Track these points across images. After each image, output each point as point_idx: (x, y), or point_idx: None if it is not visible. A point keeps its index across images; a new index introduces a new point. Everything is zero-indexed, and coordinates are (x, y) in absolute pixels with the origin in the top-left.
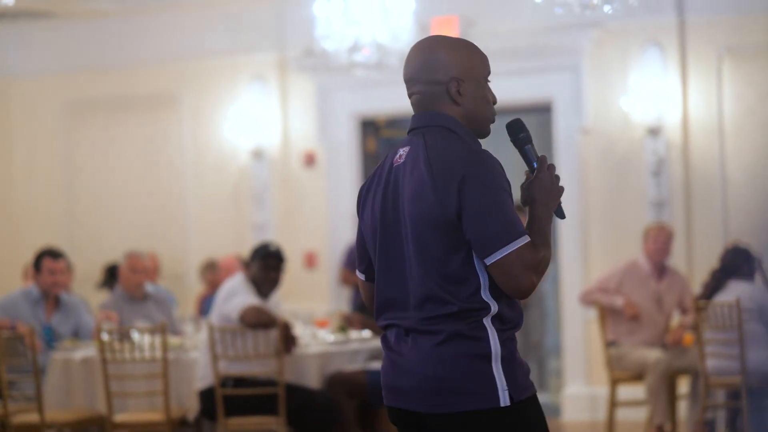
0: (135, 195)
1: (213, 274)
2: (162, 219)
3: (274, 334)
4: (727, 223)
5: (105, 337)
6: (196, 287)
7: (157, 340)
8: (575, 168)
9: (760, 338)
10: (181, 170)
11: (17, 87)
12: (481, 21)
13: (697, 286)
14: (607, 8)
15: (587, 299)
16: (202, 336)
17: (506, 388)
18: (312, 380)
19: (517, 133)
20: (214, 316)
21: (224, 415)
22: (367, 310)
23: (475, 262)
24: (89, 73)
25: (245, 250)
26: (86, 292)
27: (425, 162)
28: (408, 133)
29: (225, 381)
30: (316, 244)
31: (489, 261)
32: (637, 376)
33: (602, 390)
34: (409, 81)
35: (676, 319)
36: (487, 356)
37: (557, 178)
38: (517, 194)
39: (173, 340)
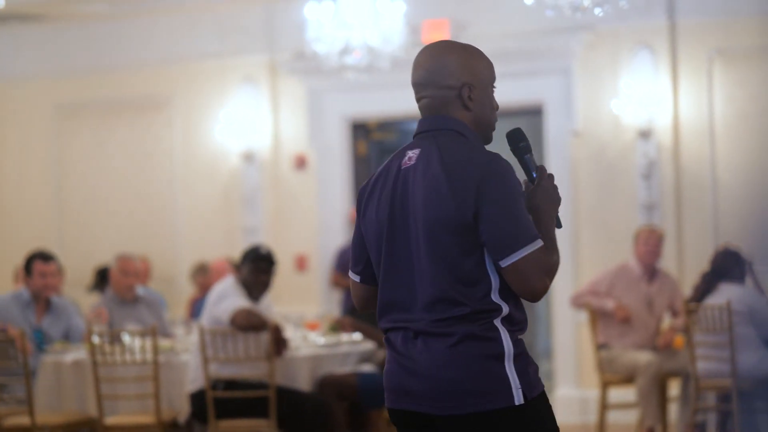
0: (126, 198)
1: (204, 276)
2: (153, 222)
3: (264, 336)
4: (717, 225)
5: (96, 339)
6: (187, 290)
7: (148, 342)
8: (566, 170)
9: (750, 341)
10: (171, 173)
11: (8, 90)
12: (472, 24)
13: (687, 289)
14: (597, 11)
15: (578, 302)
16: (193, 339)
17: (519, 386)
18: (303, 383)
19: (518, 142)
20: (205, 319)
21: (215, 417)
22: (357, 312)
23: (487, 265)
24: (80, 76)
25: (236, 252)
26: (77, 295)
27: (440, 165)
28: (415, 136)
29: (216, 384)
30: (306, 247)
31: (504, 263)
32: (628, 379)
33: (593, 393)
34: (419, 85)
35: (666, 321)
36: (500, 356)
37: (555, 187)
38: None
39: (164, 342)
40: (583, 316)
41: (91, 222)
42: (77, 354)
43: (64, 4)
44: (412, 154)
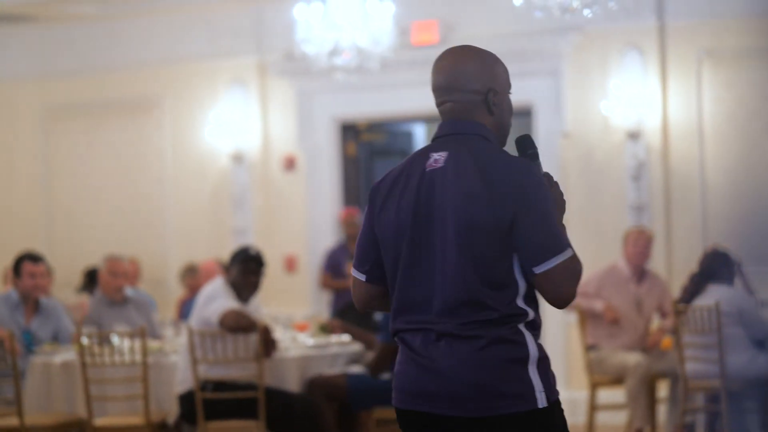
0: (115, 199)
1: (193, 278)
2: (142, 223)
3: (253, 338)
4: (706, 226)
5: (85, 341)
6: (176, 291)
7: (137, 343)
8: (555, 172)
9: (739, 342)
10: (160, 174)
11: None
12: (461, 25)
13: (676, 290)
14: (586, 12)
15: None
16: (182, 340)
17: (543, 389)
18: (292, 384)
19: (526, 149)
20: (194, 320)
21: (204, 418)
22: (346, 314)
23: (515, 270)
24: (68, 78)
25: (225, 254)
26: (66, 296)
27: (475, 169)
28: (434, 139)
29: (204, 385)
30: (295, 248)
31: (538, 270)
32: (617, 380)
33: (582, 394)
34: (443, 89)
35: (655, 322)
36: (526, 359)
37: (561, 194)
38: None
39: (153, 344)
40: (572, 317)
41: (80, 223)
42: (66, 355)
43: (53, 5)
44: (438, 156)
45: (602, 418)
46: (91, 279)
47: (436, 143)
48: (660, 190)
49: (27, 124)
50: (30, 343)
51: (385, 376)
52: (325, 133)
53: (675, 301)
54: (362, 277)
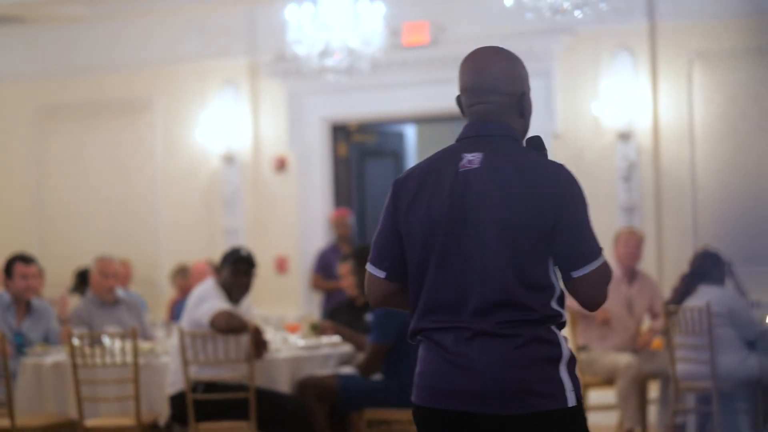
0: (106, 200)
1: (184, 279)
2: (133, 224)
3: (244, 339)
4: (697, 227)
5: (76, 341)
6: (167, 292)
7: (128, 345)
8: None
9: (731, 343)
10: (152, 175)
11: None
12: (452, 26)
13: (667, 291)
14: (577, 13)
15: None
16: (173, 341)
17: (572, 388)
18: (283, 385)
19: (538, 150)
20: (185, 321)
21: (195, 419)
22: (337, 315)
23: (551, 272)
24: (60, 79)
25: (216, 255)
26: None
27: (515, 171)
28: (462, 139)
29: (195, 386)
30: (287, 249)
31: (576, 275)
32: (608, 381)
33: None
34: (480, 90)
35: (646, 323)
36: (559, 359)
37: None
38: None
39: (144, 345)
40: None
41: (72, 224)
42: (57, 356)
43: (44, 6)
44: (473, 157)
45: (593, 418)
46: (82, 280)
47: (466, 143)
48: (651, 191)
49: (19, 125)
50: (21, 345)
51: (376, 377)
52: (316, 133)
53: (665, 301)
54: (381, 274)
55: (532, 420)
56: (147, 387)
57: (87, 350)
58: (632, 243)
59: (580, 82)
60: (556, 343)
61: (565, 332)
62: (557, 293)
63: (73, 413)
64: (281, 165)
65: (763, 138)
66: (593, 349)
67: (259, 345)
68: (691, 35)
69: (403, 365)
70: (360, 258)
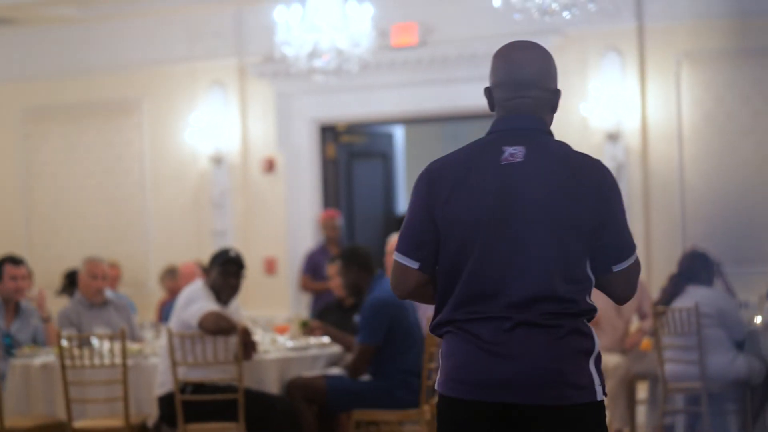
0: (95, 202)
1: (173, 280)
2: (122, 225)
3: (233, 340)
4: (685, 227)
5: (64, 343)
6: (156, 294)
7: (117, 346)
8: None
9: (720, 343)
10: (140, 176)
11: None
12: (440, 27)
13: (655, 291)
14: (566, 14)
15: None
16: (162, 342)
17: (600, 383)
18: (271, 386)
19: None
20: (173, 323)
21: (184, 421)
22: (325, 316)
23: (587, 267)
24: (49, 80)
25: (205, 256)
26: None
27: (560, 166)
28: (497, 132)
29: (184, 387)
30: (275, 250)
31: (617, 269)
32: None
33: None
34: (523, 84)
35: (635, 324)
36: (590, 353)
37: None
38: None
39: (133, 346)
40: None
41: (60, 226)
42: (46, 358)
43: (33, 8)
44: (514, 150)
45: None
46: (70, 281)
47: (504, 136)
48: (639, 192)
49: (6, 127)
50: (10, 346)
51: (364, 378)
52: (304, 135)
53: (654, 302)
54: (415, 265)
55: (566, 412)
56: (136, 388)
57: (76, 351)
58: None
59: (568, 83)
60: (590, 337)
61: None
62: (591, 288)
63: (61, 414)
64: (270, 166)
65: (751, 138)
66: None
67: (247, 346)
68: (679, 36)
69: (391, 366)
70: (347, 259)
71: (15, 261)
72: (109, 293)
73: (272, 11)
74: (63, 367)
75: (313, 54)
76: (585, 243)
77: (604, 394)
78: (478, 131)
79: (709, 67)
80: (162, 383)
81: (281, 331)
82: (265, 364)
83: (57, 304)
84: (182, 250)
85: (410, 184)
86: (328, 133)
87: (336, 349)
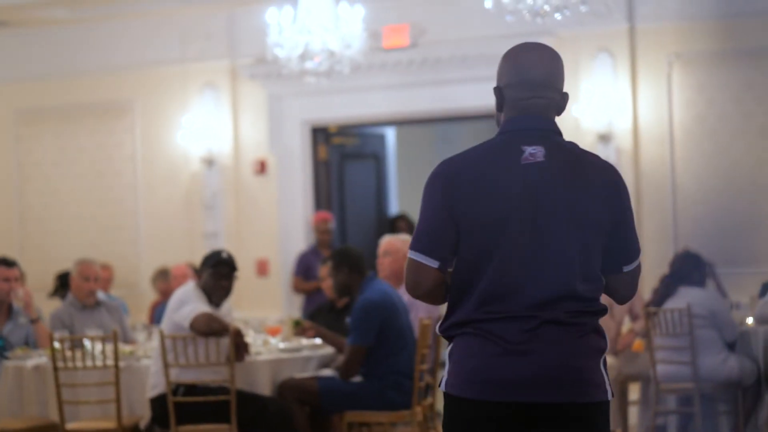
0: (86, 203)
1: (165, 282)
2: (114, 227)
3: (225, 341)
4: (676, 228)
5: (57, 345)
6: (148, 295)
7: (109, 348)
8: None
9: (712, 344)
10: (132, 178)
11: None
12: (432, 29)
13: (647, 292)
14: (557, 16)
15: None
16: (154, 344)
17: (608, 382)
18: (264, 387)
19: None
20: (165, 325)
21: (176, 422)
22: (317, 318)
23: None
24: (41, 81)
25: (197, 258)
26: (38, 301)
27: (580, 166)
28: (515, 132)
29: (176, 389)
30: (267, 252)
31: (627, 269)
32: None
33: None
34: (540, 84)
35: (627, 325)
36: (603, 351)
37: None
38: None
39: (125, 348)
40: None
41: (53, 227)
42: (38, 359)
43: (25, 10)
44: (534, 150)
45: None
46: (62, 283)
47: (521, 136)
48: (630, 192)
49: None
50: (3, 348)
51: (356, 379)
52: (296, 136)
53: (646, 303)
54: (434, 264)
55: (584, 410)
56: (128, 390)
57: (68, 353)
58: None
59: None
60: (604, 336)
61: None
62: (603, 287)
63: (54, 416)
64: (262, 168)
65: (743, 140)
66: None
67: (239, 347)
68: (671, 37)
69: (383, 367)
70: (338, 260)
71: (7, 263)
72: (101, 295)
73: (264, 13)
74: (55, 368)
75: (305, 56)
76: (602, 243)
77: (612, 394)
78: (470, 132)
79: (701, 68)
80: (154, 385)
81: (273, 332)
82: (257, 365)
83: (49, 306)
84: (174, 251)
85: (402, 185)
86: (320, 134)
87: (328, 350)
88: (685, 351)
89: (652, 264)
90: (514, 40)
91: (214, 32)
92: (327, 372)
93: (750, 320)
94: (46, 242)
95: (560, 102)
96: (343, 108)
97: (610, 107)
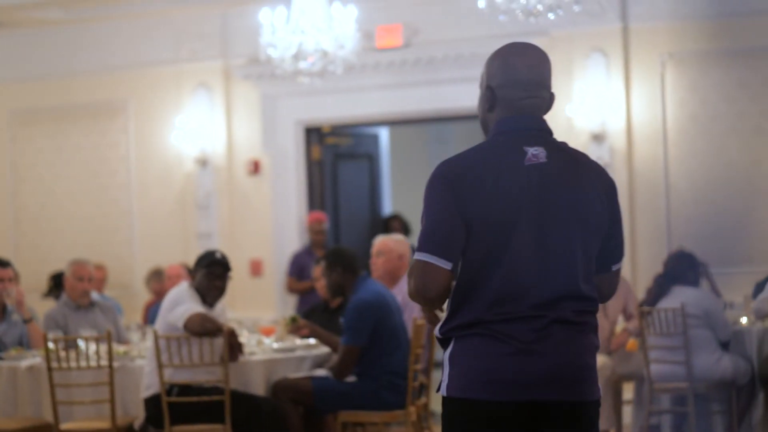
0: (81, 204)
1: (159, 282)
2: (108, 227)
3: (219, 341)
4: (670, 228)
5: (51, 345)
6: (142, 296)
7: (103, 348)
8: None
9: (706, 343)
10: (126, 178)
11: None
12: (425, 29)
13: (641, 292)
14: (551, 16)
15: None
16: (148, 344)
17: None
18: (257, 387)
19: None
20: (159, 325)
21: (170, 423)
22: (310, 318)
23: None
24: (35, 82)
25: (191, 258)
26: (32, 302)
27: (579, 167)
28: (514, 132)
29: (170, 389)
30: (261, 252)
31: (616, 267)
32: None
33: None
34: (536, 84)
35: (620, 324)
36: (597, 350)
37: None
38: None
39: (119, 348)
40: None
41: (46, 228)
42: (33, 360)
43: (19, 10)
44: (536, 151)
45: None
46: (56, 283)
47: (519, 137)
48: (624, 192)
49: None
50: None
51: (350, 379)
52: (289, 136)
53: (640, 303)
54: (447, 266)
55: (588, 407)
56: (122, 390)
57: (62, 354)
58: None
59: (553, 84)
60: (597, 334)
61: None
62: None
63: (48, 416)
64: (255, 168)
65: (736, 139)
66: None
67: (233, 348)
68: (664, 37)
69: (377, 367)
70: (332, 260)
71: (1, 263)
72: (95, 295)
73: (257, 13)
74: (49, 369)
75: (298, 56)
76: (599, 242)
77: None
78: (464, 132)
79: (694, 67)
80: (148, 385)
81: (267, 332)
82: (251, 365)
83: (43, 307)
84: (168, 252)
85: (396, 185)
86: (314, 134)
87: (322, 350)
88: (679, 350)
89: (646, 263)
90: (507, 40)
91: (207, 33)
92: (321, 372)
93: (744, 320)
94: (40, 242)
95: (550, 101)
96: (336, 108)
97: (603, 107)
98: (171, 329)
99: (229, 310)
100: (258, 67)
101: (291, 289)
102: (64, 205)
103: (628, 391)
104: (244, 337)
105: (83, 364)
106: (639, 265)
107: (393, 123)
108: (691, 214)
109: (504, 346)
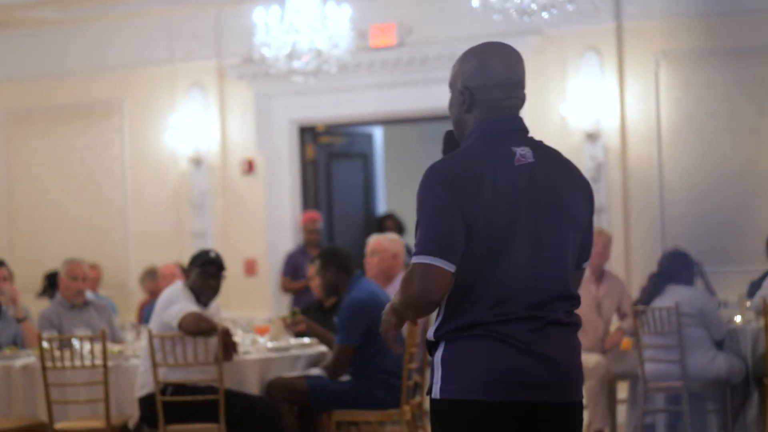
0: (75, 203)
1: (153, 281)
2: (102, 227)
3: (213, 341)
4: (664, 227)
5: (45, 345)
6: (137, 295)
7: (98, 347)
8: None
9: (700, 342)
10: (120, 178)
11: None
12: (419, 28)
13: (635, 291)
14: (544, 15)
15: None
16: (143, 343)
17: None
18: (252, 387)
19: (454, 145)
20: (154, 324)
21: (165, 422)
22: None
23: None
24: (29, 82)
25: (185, 257)
26: (26, 301)
27: (563, 167)
28: (502, 132)
29: (165, 388)
30: (255, 252)
31: (585, 264)
32: None
33: None
34: (517, 85)
35: (615, 323)
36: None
37: None
38: None
39: (114, 347)
40: None
41: (41, 228)
42: (27, 359)
43: (14, 10)
44: (523, 152)
45: None
46: (51, 283)
47: (506, 137)
48: (618, 191)
49: None
50: None
51: (344, 378)
52: (283, 136)
53: (634, 302)
54: (452, 268)
55: (578, 408)
56: (116, 389)
57: (56, 353)
58: (600, 243)
59: (547, 83)
60: None
61: None
62: None
63: (42, 416)
64: (249, 167)
65: (730, 138)
66: None
67: (228, 347)
68: (658, 35)
69: (372, 367)
70: (326, 259)
71: None
72: (89, 295)
73: (251, 13)
74: (44, 368)
75: (292, 55)
76: (580, 240)
77: None
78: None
79: (689, 66)
80: (143, 384)
81: (262, 332)
82: (246, 364)
83: (37, 306)
84: (162, 251)
85: (390, 184)
86: (308, 134)
87: (316, 349)
88: (674, 349)
89: (640, 262)
90: (501, 39)
91: (201, 32)
92: (315, 371)
93: (738, 318)
94: (34, 242)
95: (525, 100)
96: (330, 107)
97: (597, 106)
98: (165, 328)
99: (224, 310)
100: (252, 66)
101: (285, 289)
102: (58, 204)
103: (622, 391)
104: (238, 337)
105: (78, 363)
106: (633, 264)
107: (387, 122)
108: (686, 213)
109: (505, 347)
